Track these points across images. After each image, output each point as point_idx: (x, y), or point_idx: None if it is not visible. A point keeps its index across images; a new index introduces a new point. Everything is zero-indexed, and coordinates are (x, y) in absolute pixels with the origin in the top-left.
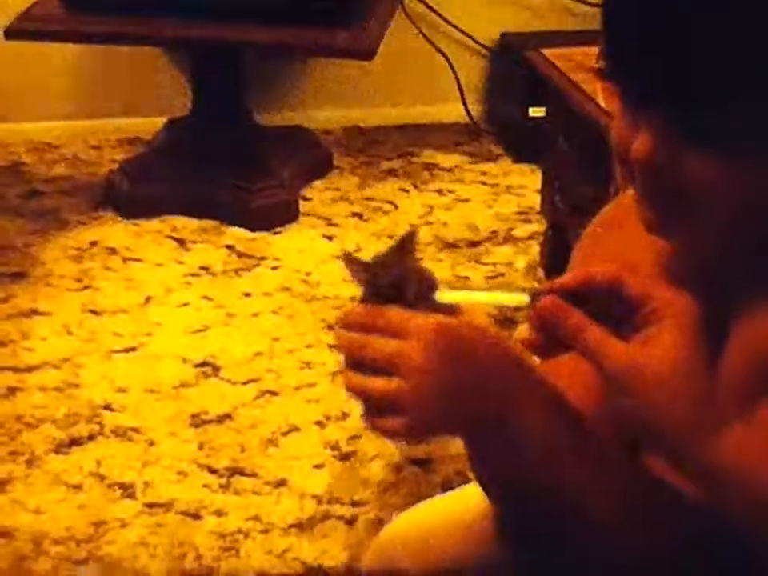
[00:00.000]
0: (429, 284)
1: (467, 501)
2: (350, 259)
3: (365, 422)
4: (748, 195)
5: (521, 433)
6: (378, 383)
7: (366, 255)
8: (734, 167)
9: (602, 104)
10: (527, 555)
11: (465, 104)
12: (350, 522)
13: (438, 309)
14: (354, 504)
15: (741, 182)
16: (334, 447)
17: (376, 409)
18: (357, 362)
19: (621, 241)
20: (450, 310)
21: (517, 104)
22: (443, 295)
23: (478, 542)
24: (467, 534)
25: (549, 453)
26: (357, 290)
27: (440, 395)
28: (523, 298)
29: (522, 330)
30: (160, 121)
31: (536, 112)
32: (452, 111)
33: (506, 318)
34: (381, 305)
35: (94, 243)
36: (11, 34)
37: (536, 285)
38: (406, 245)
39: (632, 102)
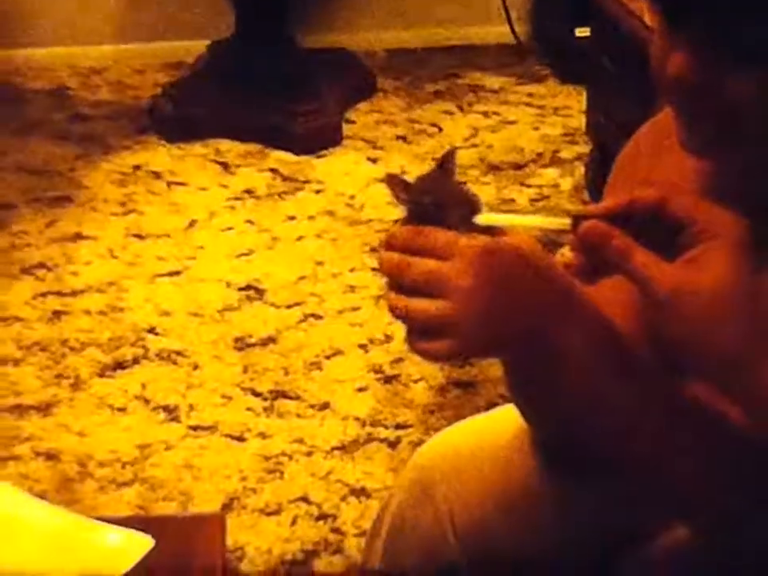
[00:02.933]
0: (471, 205)
1: (504, 422)
2: (393, 180)
3: (408, 345)
4: None
5: (564, 352)
6: (422, 304)
7: (410, 178)
8: None
9: (648, 22)
10: (564, 478)
11: (510, 24)
12: (393, 444)
13: (482, 230)
14: (398, 427)
15: None
16: (378, 370)
17: (419, 331)
18: (400, 284)
19: (660, 161)
20: (495, 231)
21: (563, 24)
22: (484, 217)
23: (514, 464)
24: (503, 455)
25: (592, 373)
26: (400, 212)
27: (484, 317)
28: (565, 222)
29: (564, 254)
30: (203, 44)
31: (582, 32)
32: (497, 32)
33: (550, 241)
34: (423, 226)
35: (137, 167)
36: None
37: (581, 207)
38: (446, 165)
39: (670, 19)
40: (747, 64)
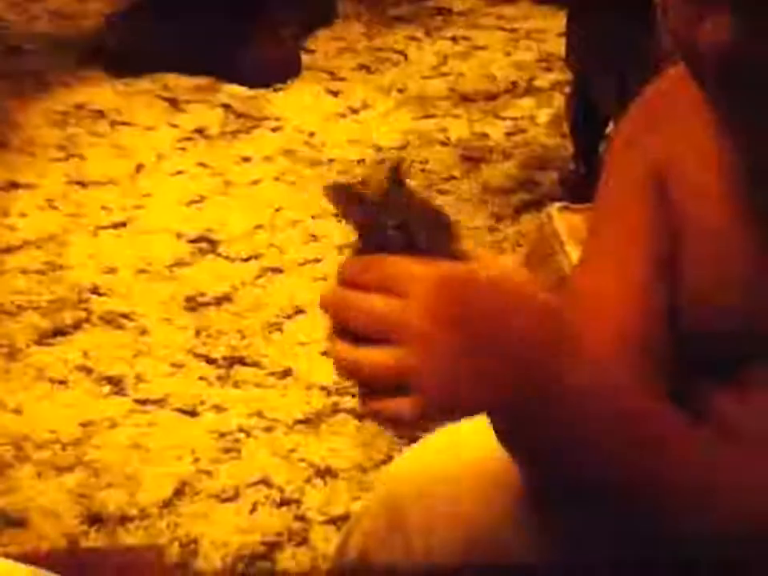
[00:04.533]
0: (443, 226)
1: (482, 434)
2: (339, 192)
3: (361, 407)
4: None
5: (557, 398)
6: (373, 355)
7: (373, 113)
8: None
9: None
10: (549, 504)
11: None
12: (362, 416)
13: (456, 256)
14: None
15: None
16: None
17: (373, 388)
18: (347, 330)
19: (659, 139)
20: (467, 255)
21: None
22: None
23: (493, 487)
24: (480, 475)
25: (587, 417)
26: (350, 233)
27: (453, 365)
28: None
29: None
30: None
31: None
32: None
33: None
34: (382, 253)
35: (79, 106)
36: None
37: (560, 140)
38: (397, 177)
39: None
40: None
